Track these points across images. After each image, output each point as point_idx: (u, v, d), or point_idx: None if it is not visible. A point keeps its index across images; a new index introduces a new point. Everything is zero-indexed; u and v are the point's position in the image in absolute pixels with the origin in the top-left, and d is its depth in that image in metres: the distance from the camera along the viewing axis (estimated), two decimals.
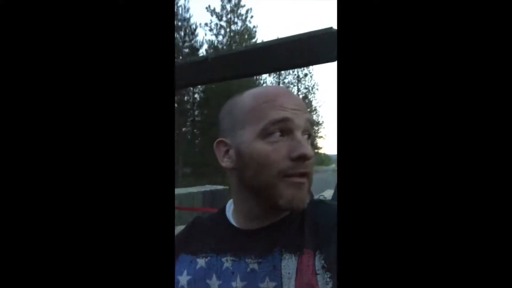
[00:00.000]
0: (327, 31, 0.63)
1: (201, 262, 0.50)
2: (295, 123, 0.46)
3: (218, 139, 0.53)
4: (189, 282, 0.50)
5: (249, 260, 0.47)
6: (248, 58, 0.67)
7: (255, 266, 0.47)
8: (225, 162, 0.51)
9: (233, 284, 0.47)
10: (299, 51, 0.66)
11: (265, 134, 0.46)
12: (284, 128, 0.46)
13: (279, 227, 0.50)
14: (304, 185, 0.46)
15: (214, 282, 0.48)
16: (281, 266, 0.46)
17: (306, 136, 0.48)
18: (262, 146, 0.46)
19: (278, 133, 0.46)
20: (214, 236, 0.53)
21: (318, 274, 0.44)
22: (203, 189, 5.36)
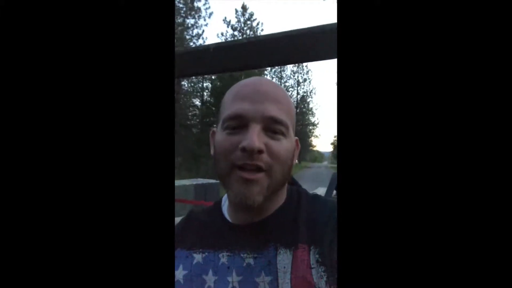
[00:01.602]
0: (333, 26, 0.61)
1: (198, 257, 0.50)
2: (249, 117, 0.46)
3: (212, 129, 0.55)
4: (185, 277, 0.50)
5: (245, 255, 0.48)
6: (250, 50, 0.65)
7: (251, 261, 0.47)
8: (212, 151, 0.52)
9: (229, 279, 0.47)
10: (302, 45, 0.64)
11: (225, 126, 0.48)
12: (240, 121, 0.47)
13: (273, 222, 0.50)
14: (254, 182, 0.45)
15: (210, 277, 0.48)
16: (276, 261, 0.46)
17: (260, 129, 0.46)
18: (221, 137, 0.48)
19: (234, 126, 0.47)
20: (210, 231, 0.53)
21: (312, 268, 0.44)
22: (195, 182, 5.35)
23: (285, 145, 0.48)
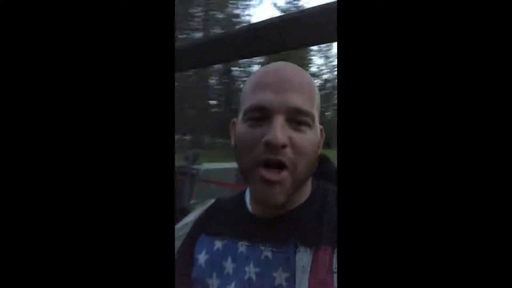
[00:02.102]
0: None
1: (218, 244, 0.51)
2: (272, 109, 0.44)
3: (233, 119, 0.53)
4: (206, 262, 0.51)
5: (263, 247, 0.47)
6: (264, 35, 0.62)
7: (269, 254, 0.46)
8: (232, 142, 0.51)
9: (247, 268, 0.47)
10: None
11: (246, 118, 0.46)
12: (262, 113, 0.45)
13: (294, 218, 0.48)
14: (277, 183, 0.43)
15: (229, 264, 0.48)
16: (295, 259, 0.44)
17: (283, 121, 0.44)
18: (243, 129, 0.46)
19: (256, 118, 0.45)
20: (232, 220, 0.53)
21: (334, 272, 0.42)
22: (235, 166, 5.46)
23: (310, 137, 0.46)
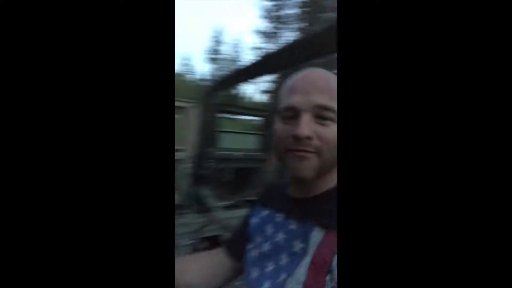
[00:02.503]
0: None
1: (264, 213, 0.69)
2: (301, 108, 0.55)
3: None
4: (256, 225, 0.69)
5: (292, 221, 0.60)
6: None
7: (294, 227, 0.59)
8: (273, 135, 0.63)
9: (279, 234, 0.61)
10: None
11: (281, 116, 0.58)
12: (293, 112, 0.56)
13: (318, 202, 0.59)
14: (306, 158, 0.54)
15: (269, 229, 0.65)
16: (310, 235, 0.55)
17: (310, 117, 0.54)
18: (279, 126, 0.58)
19: (288, 116, 0.56)
20: (275, 198, 0.70)
21: (335, 253, 0.50)
22: None
23: (334, 129, 0.55)
